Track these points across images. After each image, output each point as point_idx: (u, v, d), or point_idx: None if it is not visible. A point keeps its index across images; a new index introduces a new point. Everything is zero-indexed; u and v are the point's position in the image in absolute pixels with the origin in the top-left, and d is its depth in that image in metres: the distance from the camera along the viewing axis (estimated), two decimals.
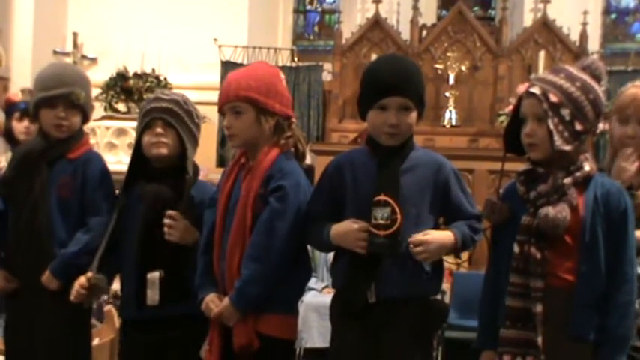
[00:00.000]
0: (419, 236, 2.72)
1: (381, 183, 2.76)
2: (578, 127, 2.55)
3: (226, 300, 2.82)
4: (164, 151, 3.06)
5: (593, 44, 9.68)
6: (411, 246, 2.71)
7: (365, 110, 2.85)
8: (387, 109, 2.78)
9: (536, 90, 2.57)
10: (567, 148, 2.54)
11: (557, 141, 2.51)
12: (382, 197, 2.73)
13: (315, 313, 6.14)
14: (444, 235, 2.78)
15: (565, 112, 2.53)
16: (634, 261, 2.58)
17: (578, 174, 2.57)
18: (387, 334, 2.76)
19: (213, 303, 2.85)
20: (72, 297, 3.08)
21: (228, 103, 2.92)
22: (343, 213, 2.82)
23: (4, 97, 5.08)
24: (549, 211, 2.51)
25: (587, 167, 2.59)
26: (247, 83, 2.90)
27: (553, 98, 2.54)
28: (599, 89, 2.61)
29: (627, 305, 2.55)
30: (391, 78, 2.80)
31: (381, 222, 2.72)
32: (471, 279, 6.32)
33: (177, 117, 3.07)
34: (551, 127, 2.52)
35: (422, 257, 2.72)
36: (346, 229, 2.76)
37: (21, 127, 4.46)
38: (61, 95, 3.19)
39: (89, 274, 3.05)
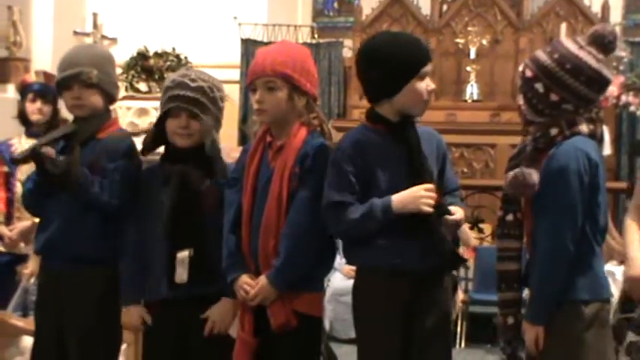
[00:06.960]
0: (456, 217, 2.78)
1: (415, 167, 2.77)
2: (553, 97, 2.68)
3: (263, 280, 2.82)
4: (189, 142, 3.05)
5: (615, 15, 9.58)
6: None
7: (399, 87, 2.76)
8: (425, 78, 2.78)
9: (520, 67, 2.82)
10: (539, 119, 2.73)
11: (529, 115, 2.76)
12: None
13: (343, 305, 6.00)
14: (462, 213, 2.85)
15: (538, 86, 2.70)
16: (560, 227, 2.60)
17: (542, 140, 2.69)
18: (419, 305, 2.77)
19: (248, 285, 2.85)
20: None
21: (262, 78, 2.89)
22: (367, 195, 2.75)
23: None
24: (510, 173, 2.69)
25: (553, 133, 2.69)
26: (283, 60, 2.88)
27: (528, 74, 2.74)
28: (590, 57, 2.67)
29: (540, 272, 2.65)
30: (425, 46, 2.88)
31: None
32: (494, 254, 6.30)
33: (202, 107, 3.03)
34: (521, 101, 2.78)
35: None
36: (411, 192, 2.70)
37: (34, 107, 4.49)
38: (72, 76, 3.21)
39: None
